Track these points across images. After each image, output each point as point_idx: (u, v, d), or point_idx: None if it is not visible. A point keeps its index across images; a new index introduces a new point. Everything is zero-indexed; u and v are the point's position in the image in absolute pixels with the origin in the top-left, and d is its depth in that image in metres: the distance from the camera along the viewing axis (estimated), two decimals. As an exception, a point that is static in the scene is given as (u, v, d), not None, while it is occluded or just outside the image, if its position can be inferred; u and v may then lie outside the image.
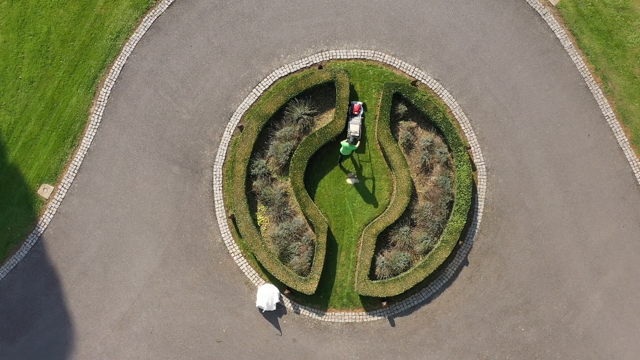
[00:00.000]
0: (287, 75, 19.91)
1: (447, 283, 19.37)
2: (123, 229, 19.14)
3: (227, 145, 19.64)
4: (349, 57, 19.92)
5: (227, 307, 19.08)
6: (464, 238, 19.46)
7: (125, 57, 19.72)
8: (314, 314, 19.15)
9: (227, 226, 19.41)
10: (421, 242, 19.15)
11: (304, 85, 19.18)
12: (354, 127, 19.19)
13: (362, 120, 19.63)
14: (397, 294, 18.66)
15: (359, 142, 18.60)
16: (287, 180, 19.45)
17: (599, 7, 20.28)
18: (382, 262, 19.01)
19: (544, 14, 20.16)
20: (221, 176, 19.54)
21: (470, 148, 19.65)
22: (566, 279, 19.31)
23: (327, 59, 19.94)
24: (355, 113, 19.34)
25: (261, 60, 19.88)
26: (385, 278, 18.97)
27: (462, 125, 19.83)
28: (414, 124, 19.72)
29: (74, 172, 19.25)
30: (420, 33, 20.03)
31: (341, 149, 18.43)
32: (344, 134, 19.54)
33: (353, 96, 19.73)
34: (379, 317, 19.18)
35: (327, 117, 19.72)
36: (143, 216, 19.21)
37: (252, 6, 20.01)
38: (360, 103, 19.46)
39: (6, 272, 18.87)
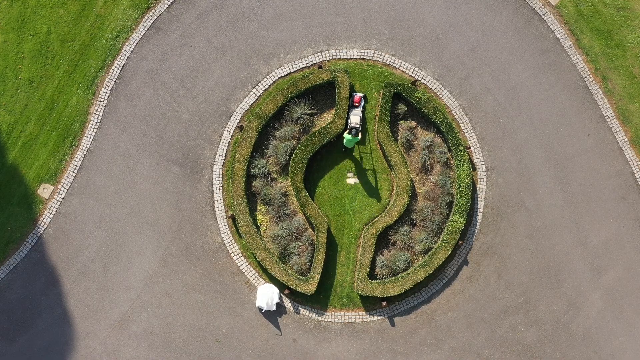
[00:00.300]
0: (287, 75, 19.91)
1: (447, 283, 19.36)
2: (123, 229, 19.14)
3: (227, 145, 19.64)
4: (348, 57, 19.92)
5: (227, 307, 19.08)
6: (463, 238, 19.46)
7: (125, 57, 19.72)
8: (314, 314, 19.15)
9: (227, 226, 19.41)
10: (421, 242, 19.14)
11: (304, 85, 19.18)
12: (355, 119, 19.15)
13: (363, 112, 19.62)
14: (397, 293, 18.66)
15: (360, 133, 18.61)
16: (287, 180, 19.45)
17: (599, 7, 20.28)
18: (382, 262, 19.01)
19: (543, 14, 20.16)
20: (221, 176, 19.54)
21: (470, 148, 19.65)
22: (566, 279, 19.31)
23: (327, 58, 19.94)
24: (356, 104, 19.31)
25: (261, 60, 19.88)
26: (385, 278, 18.97)
27: (462, 125, 19.83)
28: (413, 123, 19.72)
29: (73, 172, 19.25)
30: (420, 33, 20.03)
31: (344, 142, 18.50)
32: (344, 134, 19.53)
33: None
34: (379, 317, 19.18)
35: (327, 117, 19.72)
36: (143, 216, 19.21)
37: (252, 6, 20.01)
38: (361, 94, 19.45)
39: (6, 272, 18.87)
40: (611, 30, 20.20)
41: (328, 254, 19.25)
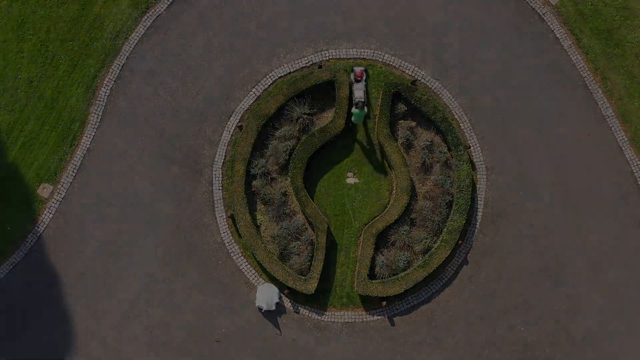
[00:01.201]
0: (286, 74, 19.90)
1: (446, 282, 19.35)
2: (123, 229, 19.14)
3: (226, 144, 19.64)
4: (348, 57, 19.91)
5: (227, 306, 19.07)
6: (463, 237, 19.45)
7: (125, 57, 19.72)
8: (314, 314, 19.14)
9: (226, 226, 19.41)
10: (421, 241, 19.13)
11: (304, 84, 19.17)
12: (359, 93, 19.06)
13: (366, 86, 19.58)
14: (397, 293, 18.65)
15: (365, 107, 18.73)
16: (286, 179, 19.44)
17: (599, 7, 20.27)
18: (382, 261, 18.99)
19: (543, 14, 20.15)
20: (221, 176, 19.53)
21: (470, 147, 19.64)
22: (566, 279, 19.29)
23: (327, 58, 19.93)
24: (359, 79, 19.24)
25: (261, 60, 19.87)
26: (385, 278, 18.96)
27: (461, 124, 19.82)
28: (413, 123, 19.71)
29: (73, 171, 19.25)
30: (419, 33, 20.02)
31: (352, 118, 18.77)
32: (343, 134, 19.51)
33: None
34: (379, 317, 19.17)
35: (327, 117, 19.71)
36: (143, 216, 19.21)
37: (252, 6, 20.01)
38: (362, 68, 19.43)
39: (6, 272, 18.86)
40: (611, 29, 20.19)
41: (328, 253, 19.22)
